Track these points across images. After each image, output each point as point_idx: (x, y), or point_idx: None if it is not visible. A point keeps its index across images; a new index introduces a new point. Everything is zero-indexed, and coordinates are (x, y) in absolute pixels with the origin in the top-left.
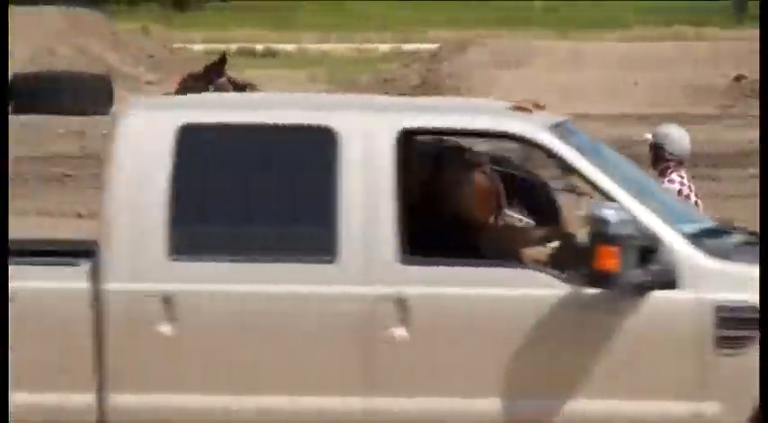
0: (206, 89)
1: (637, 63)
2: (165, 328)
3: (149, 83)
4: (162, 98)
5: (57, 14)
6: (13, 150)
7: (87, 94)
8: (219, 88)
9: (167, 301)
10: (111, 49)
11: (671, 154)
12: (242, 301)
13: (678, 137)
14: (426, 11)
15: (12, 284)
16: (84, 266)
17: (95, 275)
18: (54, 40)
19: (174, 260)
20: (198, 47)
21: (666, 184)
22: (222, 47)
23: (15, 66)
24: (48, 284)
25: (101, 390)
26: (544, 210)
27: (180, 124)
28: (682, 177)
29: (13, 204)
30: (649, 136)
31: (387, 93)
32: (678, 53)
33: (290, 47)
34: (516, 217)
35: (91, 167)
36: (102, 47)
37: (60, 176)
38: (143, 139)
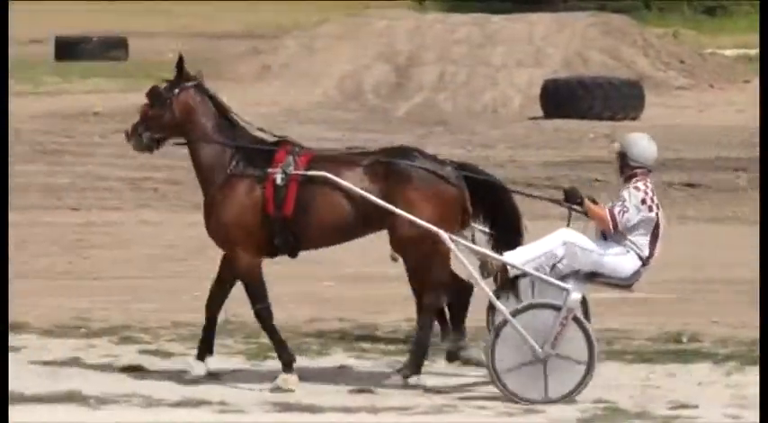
0: (169, 94)
1: None
2: None
3: (680, 88)
4: None
5: (588, 20)
6: (546, 155)
7: (618, 100)
8: (182, 91)
9: None
10: (641, 55)
11: (635, 161)
12: None
13: (643, 146)
14: None
15: None
16: None
17: None
18: (586, 46)
19: None
20: (729, 52)
21: (632, 191)
22: (753, 52)
23: (547, 71)
24: None
25: None
26: (503, 214)
27: None
28: (646, 186)
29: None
30: (617, 145)
31: None
32: None
33: None
34: (478, 228)
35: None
36: (633, 52)
37: (590, 181)
38: None
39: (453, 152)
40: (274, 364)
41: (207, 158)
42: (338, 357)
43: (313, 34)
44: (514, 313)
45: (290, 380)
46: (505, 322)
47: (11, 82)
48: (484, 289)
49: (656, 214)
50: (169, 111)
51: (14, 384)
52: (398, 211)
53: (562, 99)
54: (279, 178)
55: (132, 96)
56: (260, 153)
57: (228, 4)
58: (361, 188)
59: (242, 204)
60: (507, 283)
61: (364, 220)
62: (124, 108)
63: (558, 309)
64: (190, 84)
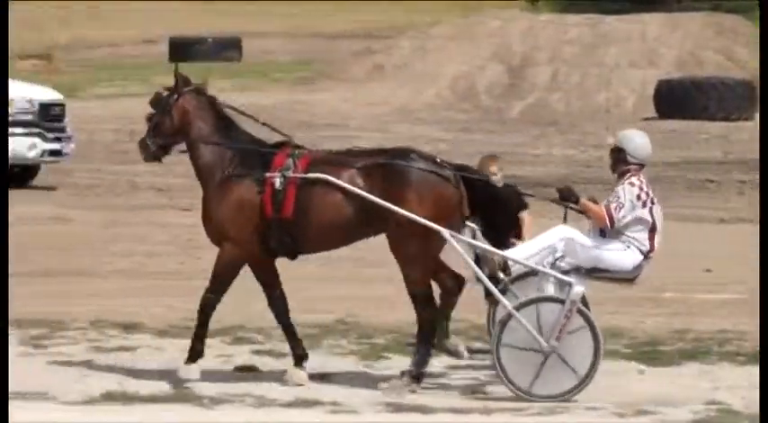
0: (169, 100)
1: None
2: None
3: None
4: None
5: (702, 20)
6: (661, 155)
7: (733, 100)
8: (181, 97)
9: None
10: (756, 55)
11: (633, 157)
12: None
13: (640, 142)
14: None
15: None
16: None
17: None
18: (700, 46)
19: None
20: None
21: (627, 187)
22: None
23: (660, 71)
24: None
25: None
26: (499, 214)
27: None
28: (641, 182)
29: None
30: (612, 140)
31: None
32: None
33: None
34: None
35: (734, 173)
36: (746, 52)
37: (703, 182)
38: None
39: (566, 152)
40: (388, 364)
41: (204, 160)
42: (451, 358)
43: (426, 35)
44: (518, 307)
45: (192, 369)
46: (510, 316)
47: (125, 83)
48: (487, 285)
49: (651, 209)
50: (169, 117)
51: (129, 384)
52: (397, 209)
53: (676, 99)
54: (278, 182)
55: (246, 97)
56: (259, 155)
57: (343, 5)
58: (360, 190)
59: (237, 204)
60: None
61: (364, 221)
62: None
63: (561, 302)
64: (188, 88)
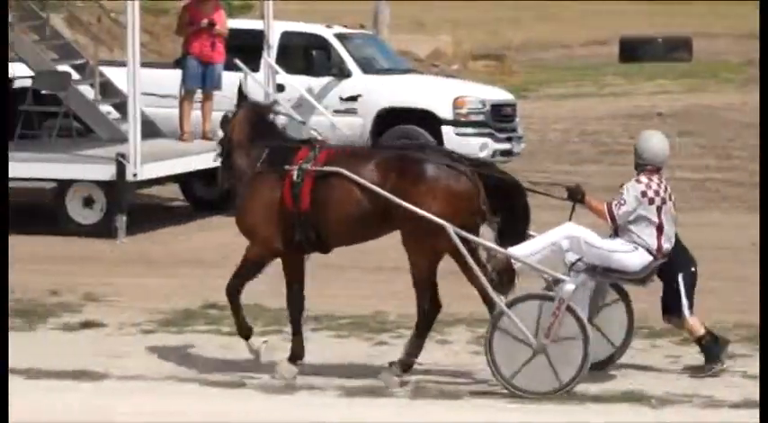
0: (231, 118)
1: None
2: None
3: None
4: None
5: None
6: None
7: None
8: (239, 112)
9: None
10: None
11: (641, 158)
12: None
13: (648, 144)
14: None
15: None
16: None
17: None
18: None
19: None
20: None
21: (632, 184)
22: None
23: None
24: None
25: None
26: (515, 210)
27: None
28: (650, 180)
29: None
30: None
31: None
32: None
33: None
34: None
35: None
36: None
37: None
38: None
39: None
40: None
41: (238, 163)
42: None
43: None
44: (510, 304)
45: (254, 344)
46: (502, 314)
47: (576, 83)
48: (483, 283)
49: (658, 207)
50: (229, 132)
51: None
52: (408, 205)
53: None
54: (296, 174)
55: (695, 97)
56: (285, 151)
57: None
58: (374, 183)
59: (262, 199)
60: (507, 277)
61: (381, 215)
62: (686, 109)
63: (553, 300)
64: (245, 103)
